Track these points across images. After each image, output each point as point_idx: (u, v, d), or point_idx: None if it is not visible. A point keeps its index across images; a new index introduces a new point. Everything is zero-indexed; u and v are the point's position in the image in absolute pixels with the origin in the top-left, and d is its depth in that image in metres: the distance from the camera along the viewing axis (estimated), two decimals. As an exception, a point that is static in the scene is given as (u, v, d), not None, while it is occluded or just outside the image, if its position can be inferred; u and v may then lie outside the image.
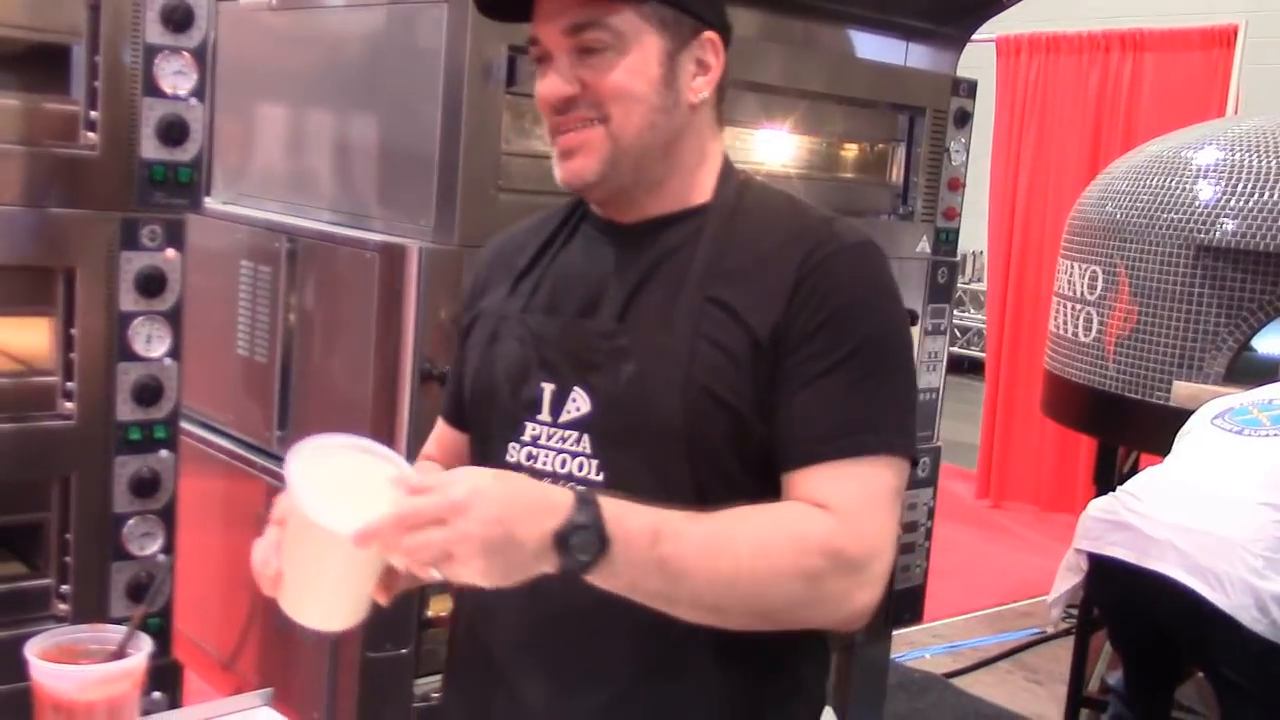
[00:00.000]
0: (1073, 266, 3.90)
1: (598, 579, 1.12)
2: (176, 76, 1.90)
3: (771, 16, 2.82)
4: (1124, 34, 6.10)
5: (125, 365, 1.91)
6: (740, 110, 2.64)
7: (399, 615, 2.16)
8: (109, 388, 1.90)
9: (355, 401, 2.23)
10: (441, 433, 1.56)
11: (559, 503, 1.10)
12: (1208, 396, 3.12)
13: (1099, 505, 2.86)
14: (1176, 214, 3.54)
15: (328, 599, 1.17)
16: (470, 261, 2.15)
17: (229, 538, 2.55)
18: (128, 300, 1.90)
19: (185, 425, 2.43)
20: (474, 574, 1.07)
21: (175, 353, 1.95)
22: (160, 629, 2.00)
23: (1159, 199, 3.61)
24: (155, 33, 1.87)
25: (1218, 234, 3.44)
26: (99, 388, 1.90)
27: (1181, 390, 3.45)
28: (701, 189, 1.36)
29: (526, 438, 1.34)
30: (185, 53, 1.89)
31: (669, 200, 1.35)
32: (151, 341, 1.93)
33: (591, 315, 1.33)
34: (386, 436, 2.15)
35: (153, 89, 1.88)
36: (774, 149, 2.83)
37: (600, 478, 1.29)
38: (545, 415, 1.32)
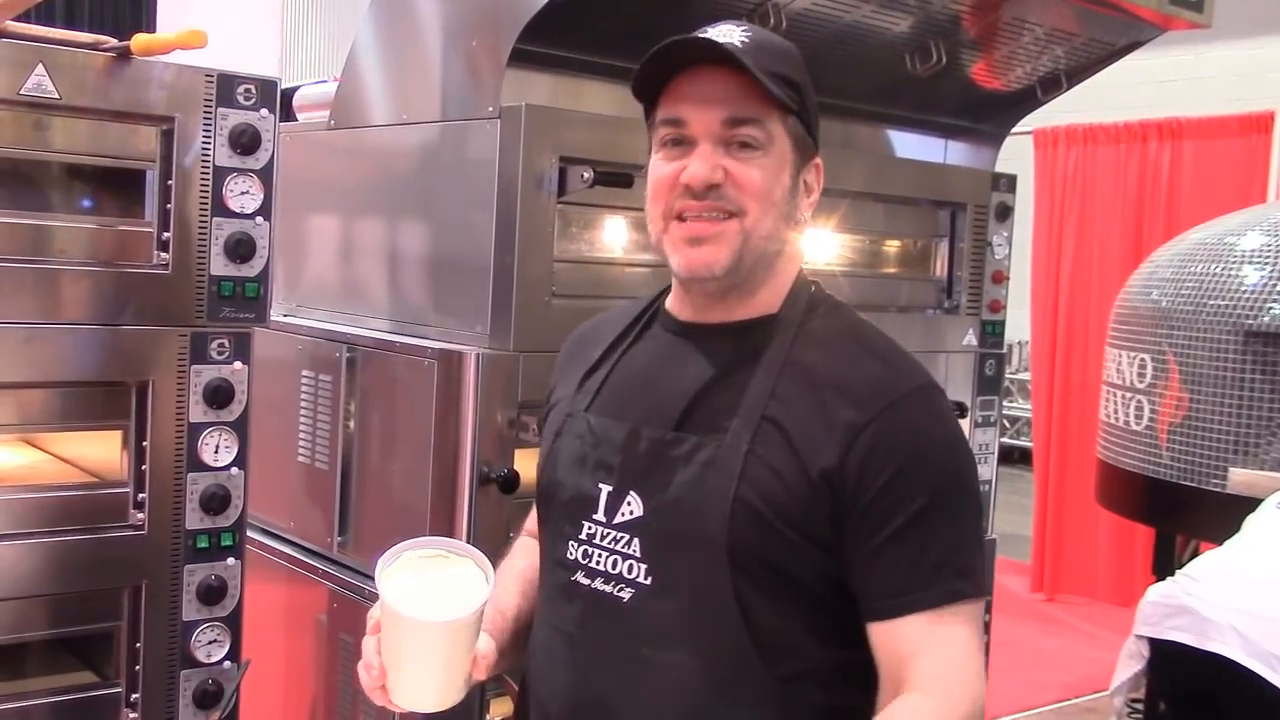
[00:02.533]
0: (1121, 355, 3.90)
1: None
2: (244, 197, 1.98)
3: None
4: (1161, 123, 6.15)
5: (194, 475, 1.96)
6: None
7: (462, 716, 2.16)
8: (179, 497, 1.95)
9: (414, 506, 2.27)
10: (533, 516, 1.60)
11: None
12: (1265, 483, 3.09)
13: (1158, 590, 2.82)
14: (1223, 300, 3.54)
15: (428, 681, 1.28)
16: (527, 366, 2.20)
17: (291, 642, 2.57)
18: (197, 412, 1.96)
19: (248, 533, 2.48)
20: None
21: (242, 462, 2.00)
22: (226, 736, 2.02)
23: (1205, 285, 3.61)
24: (223, 155, 1.95)
25: (1266, 318, 3.43)
26: (169, 498, 1.95)
27: (1238, 477, 3.42)
28: (778, 298, 1.39)
29: (584, 535, 1.37)
30: (252, 174, 1.98)
31: (751, 306, 1.38)
32: (220, 451, 1.98)
33: (651, 420, 1.36)
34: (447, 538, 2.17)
35: (221, 209, 1.96)
36: (820, 248, 2.88)
37: (649, 581, 1.31)
38: (601, 515, 1.36)
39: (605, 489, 1.36)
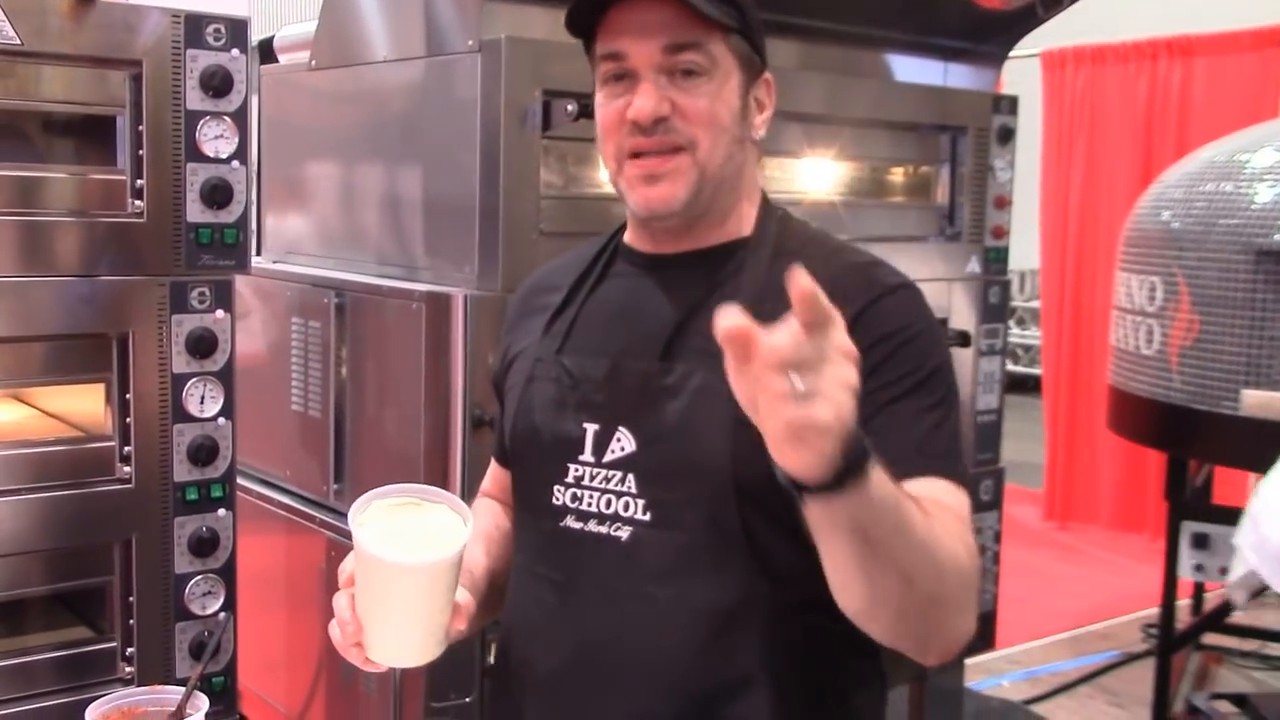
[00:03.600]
0: (1131, 278, 3.83)
1: (845, 497, 1.01)
2: (218, 141, 1.93)
3: (809, 46, 2.82)
4: (1171, 40, 6.03)
5: (180, 426, 1.93)
6: (783, 139, 2.63)
7: (461, 664, 2.15)
8: (165, 450, 1.93)
9: (408, 451, 2.24)
10: (495, 472, 1.56)
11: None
12: (1278, 404, 3.04)
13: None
14: (1234, 219, 3.47)
15: (408, 633, 1.23)
16: (515, 306, 2.16)
17: (291, 592, 2.56)
18: (180, 362, 1.93)
19: (244, 482, 2.47)
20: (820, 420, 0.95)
21: (228, 412, 1.97)
22: (225, 687, 2.01)
23: (1215, 205, 3.54)
24: (195, 99, 1.90)
25: (1277, 238, 3.36)
26: (155, 450, 1.92)
27: (1251, 399, 3.36)
28: (745, 222, 1.36)
29: (570, 479, 1.33)
30: (225, 117, 1.92)
31: (719, 232, 1.35)
32: (205, 402, 1.95)
33: (633, 353, 1.32)
34: (440, 482, 2.14)
35: (195, 154, 1.91)
36: (817, 177, 2.82)
37: (647, 517, 1.28)
38: (588, 456, 1.32)
39: (591, 428, 1.32)
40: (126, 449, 1.91)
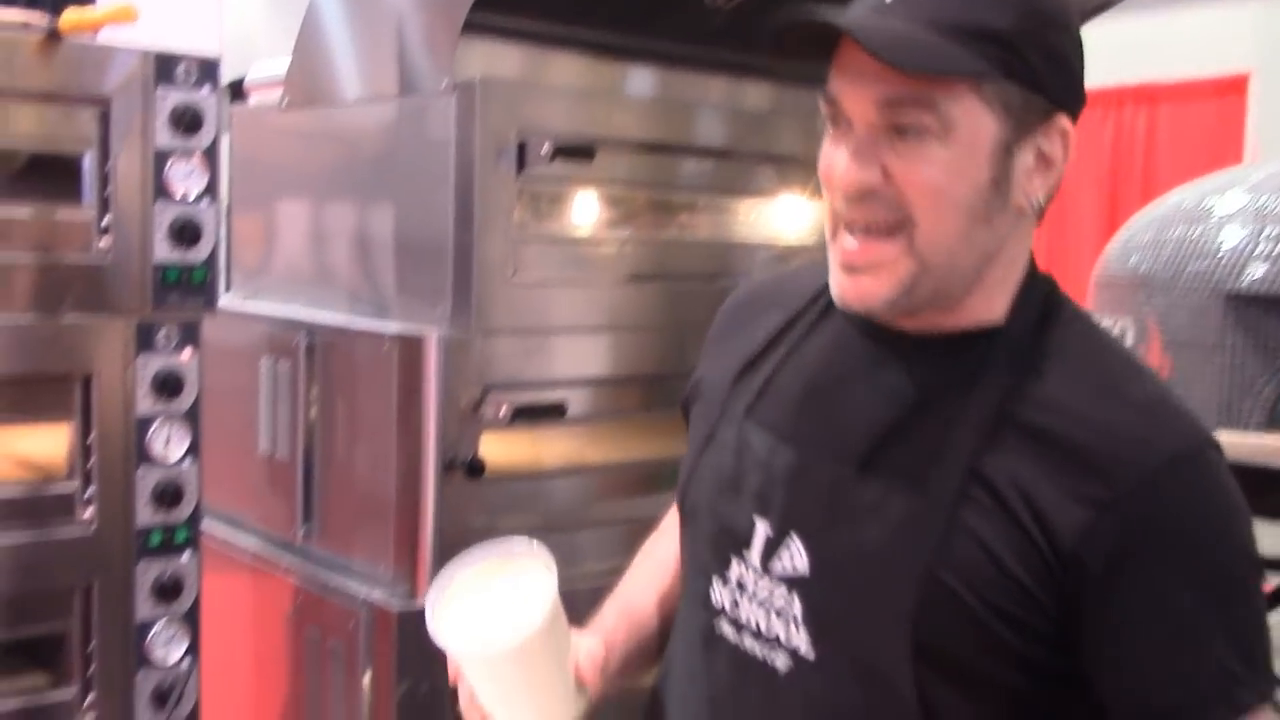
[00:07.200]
0: (1103, 321, 3.85)
1: None
2: (188, 179, 1.90)
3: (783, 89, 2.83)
4: (1136, 88, 6.12)
5: (144, 469, 1.89)
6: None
7: None
8: (128, 492, 1.89)
9: (380, 493, 2.20)
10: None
11: None
12: (1250, 446, 3.05)
13: None
14: (1203, 262, 3.49)
15: (537, 711, 1.15)
16: (490, 347, 2.14)
17: (257, 638, 2.51)
18: (145, 404, 1.89)
19: (210, 525, 2.42)
20: None
21: (194, 453, 1.94)
22: (187, 737, 1.96)
23: (1184, 248, 3.56)
24: (165, 137, 1.88)
25: (1247, 281, 3.39)
26: (118, 493, 1.88)
27: (1223, 440, 3.37)
28: (995, 304, 1.08)
29: (732, 578, 1.13)
30: (195, 154, 1.90)
31: (953, 318, 1.08)
32: (170, 443, 1.92)
33: (829, 449, 1.08)
34: (411, 526, 2.11)
35: (164, 192, 1.88)
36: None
37: (811, 655, 1.06)
38: (755, 559, 1.11)
39: (763, 526, 1.10)
40: (88, 492, 1.87)
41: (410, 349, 2.14)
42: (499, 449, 2.16)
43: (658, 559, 1.34)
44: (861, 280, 1.05)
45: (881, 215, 1.02)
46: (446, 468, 2.12)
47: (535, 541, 1.15)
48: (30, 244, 1.82)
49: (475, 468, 2.10)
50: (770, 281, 1.30)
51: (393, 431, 2.17)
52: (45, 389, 1.87)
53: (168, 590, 1.92)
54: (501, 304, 2.16)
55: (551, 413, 2.20)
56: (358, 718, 2.17)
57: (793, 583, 1.07)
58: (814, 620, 1.06)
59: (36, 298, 1.81)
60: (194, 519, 1.95)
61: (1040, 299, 1.09)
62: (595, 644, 1.18)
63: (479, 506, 2.14)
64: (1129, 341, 3.67)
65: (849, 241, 1.05)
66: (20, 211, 1.84)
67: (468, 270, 2.15)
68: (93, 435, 1.86)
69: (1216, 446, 1.04)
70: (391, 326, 2.23)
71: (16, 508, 1.84)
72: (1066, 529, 0.97)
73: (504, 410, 2.11)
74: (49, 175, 1.89)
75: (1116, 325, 3.75)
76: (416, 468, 2.15)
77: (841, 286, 1.07)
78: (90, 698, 1.89)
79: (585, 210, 2.43)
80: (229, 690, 2.49)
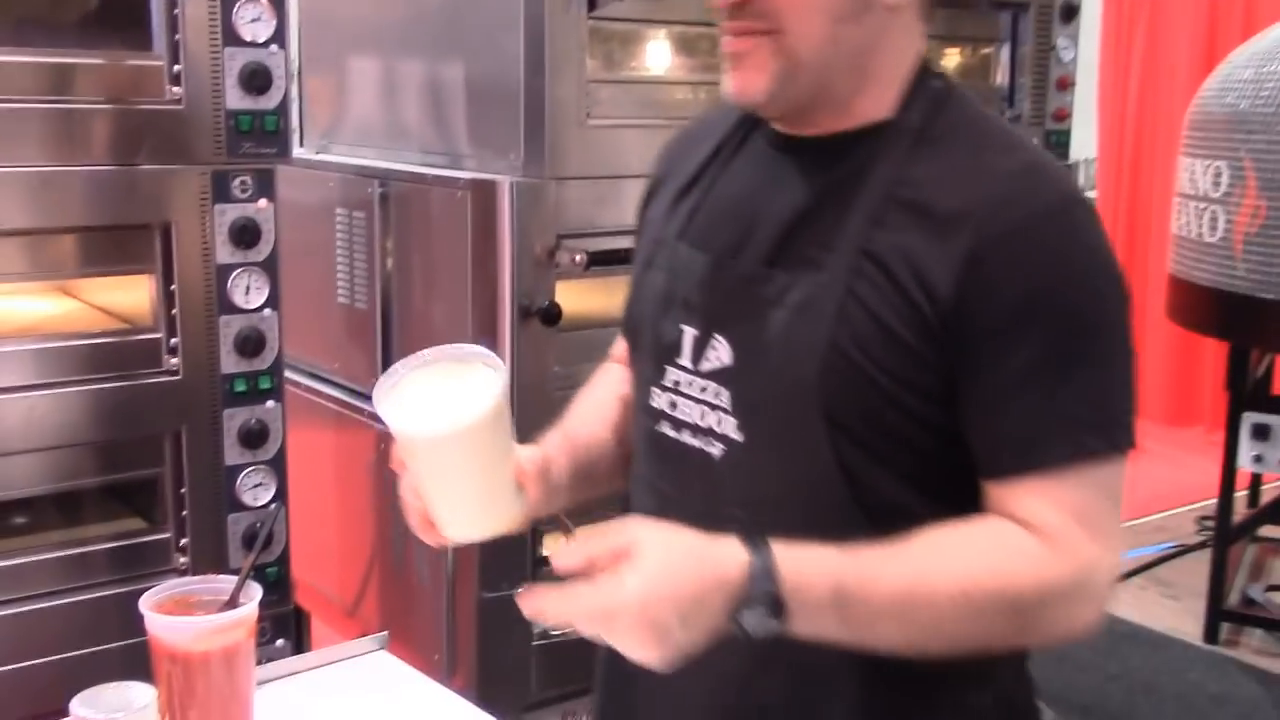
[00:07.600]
0: (1194, 164, 3.70)
1: (781, 631, 1.00)
2: (255, 24, 1.87)
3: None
4: (1240, -86, 5.76)
5: (226, 318, 1.91)
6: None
7: (513, 555, 2.15)
8: (211, 341, 1.91)
9: (456, 342, 2.21)
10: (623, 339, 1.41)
11: (731, 577, 0.98)
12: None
13: None
14: (1306, 100, 3.33)
15: (471, 503, 1.17)
16: (564, 193, 2.11)
17: (343, 485, 2.57)
18: (224, 253, 1.90)
19: (294, 376, 2.46)
20: (636, 656, 0.97)
21: (274, 303, 1.95)
22: (279, 577, 2.02)
23: (1286, 85, 3.39)
24: (231, -20, 1.84)
25: (1353, 117, 3.22)
26: (202, 341, 1.90)
27: (1316, 283, 3.26)
28: (882, 104, 1.14)
29: (669, 382, 1.21)
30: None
31: (844, 118, 1.14)
32: (250, 293, 1.93)
33: (742, 253, 1.17)
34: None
35: (233, 38, 1.86)
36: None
37: (740, 437, 1.15)
38: (686, 361, 1.19)
39: (690, 332, 1.19)
40: (173, 340, 1.89)
41: (484, 195, 2.13)
42: (573, 297, 2.15)
43: (597, 398, 1.39)
44: (740, 74, 1.12)
45: (754, 26, 1.09)
46: (523, 315, 2.11)
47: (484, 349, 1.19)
48: (103, 93, 1.81)
49: (551, 315, 2.10)
50: (702, 116, 1.36)
51: (468, 280, 2.17)
52: (127, 239, 1.88)
53: (254, 436, 1.95)
54: (575, 149, 2.13)
55: (627, 260, 2.18)
56: (442, 560, 2.22)
57: (719, 375, 1.16)
58: (740, 406, 1.15)
59: (112, 148, 1.81)
60: (276, 368, 1.97)
61: (931, 93, 1.15)
62: (536, 452, 1.23)
63: (555, 354, 2.15)
64: (1223, 185, 3.53)
65: (729, 40, 1.12)
66: (91, 60, 1.82)
67: (540, 115, 2.11)
68: (175, 284, 1.88)
69: (1086, 205, 1.09)
70: (465, 174, 2.21)
71: (106, 357, 1.87)
72: (943, 285, 1.05)
73: (579, 256, 2.10)
74: (118, 22, 1.88)
75: (1209, 168, 3.60)
76: (492, 316, 2.15)
77: (728, 80, 1.14)
78: (184, 540, 1.95)
79: (657, 52, 2.37)
80: (317, 534, 2.57)
